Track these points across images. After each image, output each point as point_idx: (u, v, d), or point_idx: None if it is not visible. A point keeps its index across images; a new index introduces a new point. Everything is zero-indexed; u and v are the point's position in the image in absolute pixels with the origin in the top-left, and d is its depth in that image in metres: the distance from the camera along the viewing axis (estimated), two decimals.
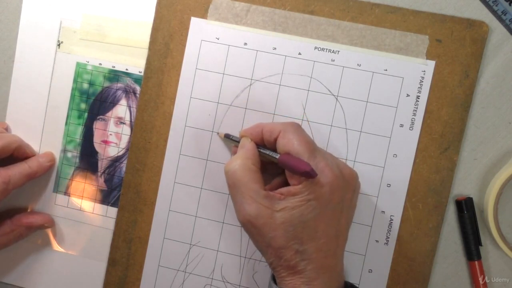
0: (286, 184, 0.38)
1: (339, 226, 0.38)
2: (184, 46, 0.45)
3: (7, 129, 0.48)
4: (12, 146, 0.45)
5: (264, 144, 0.41)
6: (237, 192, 0.38)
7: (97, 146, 0.48)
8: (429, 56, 0.43)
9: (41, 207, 0.49)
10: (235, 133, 0.45)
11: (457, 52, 0.43)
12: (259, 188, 0.37)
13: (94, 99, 0.48)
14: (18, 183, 0.44)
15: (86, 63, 0.47)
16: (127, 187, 0.47)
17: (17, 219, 0.47)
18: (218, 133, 0.45)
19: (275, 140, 0.39)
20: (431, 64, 0.43)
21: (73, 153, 0.48)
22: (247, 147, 0.40)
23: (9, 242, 0.46)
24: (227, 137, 0.44)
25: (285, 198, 0.37)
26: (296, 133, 0.38)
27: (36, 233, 0.49)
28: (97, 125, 0.48)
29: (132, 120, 0.47)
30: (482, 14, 0.43)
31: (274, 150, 0.40)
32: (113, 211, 0.48)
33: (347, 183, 0.38)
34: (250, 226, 0.37)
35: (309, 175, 0.35)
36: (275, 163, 0.39)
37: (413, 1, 0.44)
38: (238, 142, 0.42)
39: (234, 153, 0.44)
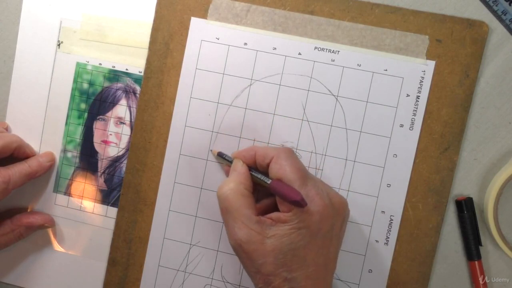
0: (275, 206, 0.39)
1: (328, 254, 0.38)
2: (184, 46, 0.45)
3: (7, 129, 0.48)
4: (12, 146, 0.45)
5: (257, 167, 0.41)
6: (229, 217, 0.38)
7: (97, 146, 0.48)
8: (429, 56, 0.43)
9: (41, 207, 0.49)
10: (235, 134, 0.45)
11: (457, 52, 0.43)
12: (251, 214, 0.37)
13: (94, 99, 0.48)
14: (18, 182, 0.44)
15: (86, 63, 0.47)
16: (127, 187, 0.47)
17: (17, 219, 0.47)
18: (211, 150, 0.45)
19: (268, 165, 0.39)
20: (431, 64, 0.43)
21: (73, 153, 0.48)
22: (239, 170, 0.41)
23: (9, 242, 0.46)
24: (220, 156, 0.44)
25: (275, 224, 0.37)
26: (289, 159, 0.39)
27: (36, 233, 0.49)
28: (97, 125, 0.48)
29: (132, 120, 0.47)
30: (482, 14, 0.43)
31: (267, 173, 0.40)
32: (113, 211, 0.48)
33: (337, 212, 0.38)
34: (240, 251, 0.37)
35: (299, 204, 0.36)
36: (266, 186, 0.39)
37: (413, 1, 0.44)
38: (231, 162, 0.42)
39: (226, 172, 0.45)
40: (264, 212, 0.40)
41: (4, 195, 0.43)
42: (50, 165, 0.47)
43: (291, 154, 0.40)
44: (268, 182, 0.39)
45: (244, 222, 0.37)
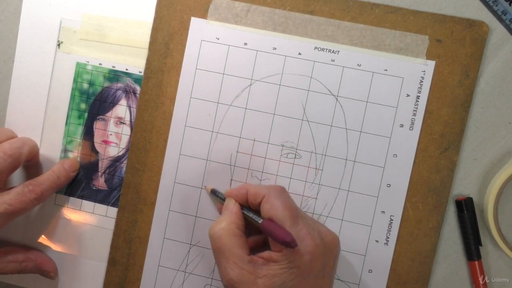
0: (266, 241, 0.39)
1: None
2: (184, 46, 0.45)
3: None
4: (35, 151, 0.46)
5: (249, 206, 0.41)
6: (221, 257, 0.38)
7: (98, 146, 0.48)
8: (429, 56, 0.43)
9: (41, 207, 0.48)
10: (235, 134, 0.45)
11: (457, 52, 0.43)
12: (243, 254, 0.38)
13: (94, 99, 0.48)
14: (48, 196, 0.45)
15: (86, 63, 0.47)
16: (127, 187, 0.47)
17: (32, 254, 0.47)
18: (205, 187, 0.45)
19: (260, 204, 0.39)
20: (431, 64, 0.43)
21: (74, 153, 0.48)
22: (231, 209, 0.41)
23: (12, 271, 0.46)
24: (213, 194, 0.44)
25: (267, 264, 0.37)
26: (280, 198, 0.39)
27: (36, 233, 0.48)
28: (97, 125, 0.48)
29: (132, 120, 0.47)
30: (482, 14, 0.43)
31: (259, 211, 0.40)
32: (113, 211, 0.48)
33: (328, 251, 0.38)
34: None
35: (289, 245, 0.36)
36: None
37: (413, 1, 0.44)
38: (223, 199, 0.43)
39: (219, 209, 0.45)
40: (256, 247, 0.41)
41: (31, 208, 0.44)
42: (75, 175, 0.47)
43: (282, 192, 0.40)
44: (259, 221, 0.39)
45: (236, 262, 0.37)
